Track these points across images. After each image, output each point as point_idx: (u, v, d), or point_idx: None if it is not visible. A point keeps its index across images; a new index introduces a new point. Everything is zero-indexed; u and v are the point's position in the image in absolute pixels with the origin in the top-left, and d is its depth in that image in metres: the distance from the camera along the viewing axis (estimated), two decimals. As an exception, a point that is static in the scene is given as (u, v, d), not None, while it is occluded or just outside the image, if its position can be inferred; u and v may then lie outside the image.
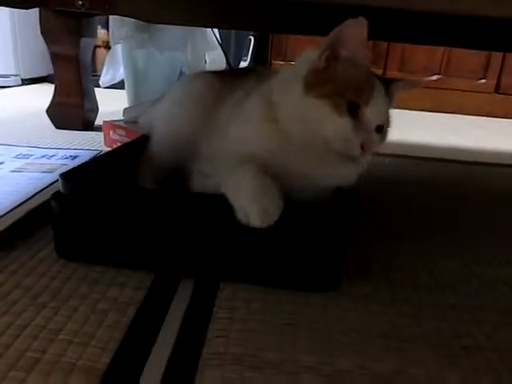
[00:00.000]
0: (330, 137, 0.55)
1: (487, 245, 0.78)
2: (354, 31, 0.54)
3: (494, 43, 1.31)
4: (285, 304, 0.54)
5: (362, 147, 0.55)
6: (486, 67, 2.61)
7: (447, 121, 2.37)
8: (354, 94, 0.55)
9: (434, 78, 2.62)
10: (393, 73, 2.57)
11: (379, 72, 2.33)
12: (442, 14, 1.13)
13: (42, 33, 1.33)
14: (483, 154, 1.57)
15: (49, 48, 1.35)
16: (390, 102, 0.61)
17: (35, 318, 0.48)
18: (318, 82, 0.56)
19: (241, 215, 0.51)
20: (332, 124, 0.55)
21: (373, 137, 0.56)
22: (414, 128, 1.93)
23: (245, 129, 0.61)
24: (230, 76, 0.77)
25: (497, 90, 2.65)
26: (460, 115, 2.57)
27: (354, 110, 0.55)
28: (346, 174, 0.62)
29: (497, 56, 2.58)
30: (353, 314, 0.54)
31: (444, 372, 0.45)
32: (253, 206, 0.50)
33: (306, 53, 0.60)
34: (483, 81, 2.64)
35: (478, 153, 1.60)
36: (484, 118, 2.56)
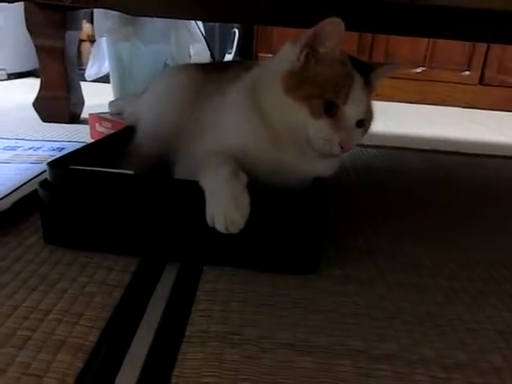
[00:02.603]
0: (310, 137, 0.57)
1: (461, 228, 0.81)
2: (332, 28, 0.55)
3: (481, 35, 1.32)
4: (265, 286, 0.57)
5: (341, 146, 0.56)
6: (470, 59, 2.64)
7: (431, 112, 2.40)
8: (332, 93, 0.56)
9: (419, 70, 2.65)
10: (378, 65, 2.58)
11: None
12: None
13: (27, 27, 1.34)
14: (466, 145, 1.60)
15: (34, 42, 1.36)
16: (372, 91, 0.61)
17: (26, 299, 0.50)
18: (296, 84, 0.57)
19: (209, 218, 0.53)
20: (310, 126, 0.57)
21: (352, 134, 0.58)
22: (398, 120, 1.95)
23: (231, 120, 0.63)
24: (212, 69, 0.78)
25: (481, 81, 2.69)
26: (444, 107, 2.60)
27: (331, 110, 0.56)
28: (327, 166, 0.64)
29: (481, 48, 2.61)
30: (330, 294, 0.57)
31: (417, 347, 0.48)
32: (221, 217, 0.52)
33: (287, 49, 0.60)
34: (467, 73, 2.67)
35: (462, 143, 1.63)
36: (468, 109, 2.59)
